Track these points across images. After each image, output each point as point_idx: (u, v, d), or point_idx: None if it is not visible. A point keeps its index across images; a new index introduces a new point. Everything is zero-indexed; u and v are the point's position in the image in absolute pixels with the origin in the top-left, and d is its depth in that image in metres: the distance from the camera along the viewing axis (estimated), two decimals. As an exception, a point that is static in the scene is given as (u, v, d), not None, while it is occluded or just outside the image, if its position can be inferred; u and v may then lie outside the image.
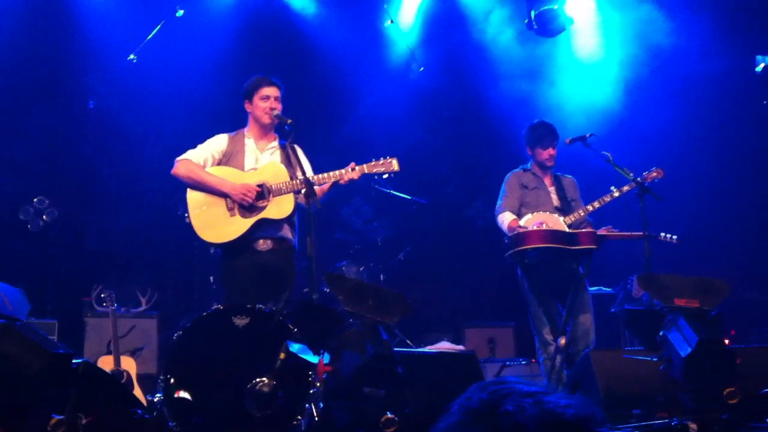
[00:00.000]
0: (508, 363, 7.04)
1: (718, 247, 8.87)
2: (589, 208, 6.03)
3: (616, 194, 5.99)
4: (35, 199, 8.21)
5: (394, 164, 5.21)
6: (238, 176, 5.17)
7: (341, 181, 5.12)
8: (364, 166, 5.17)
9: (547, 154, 6.25)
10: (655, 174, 6.07)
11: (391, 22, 9.15)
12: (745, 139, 9.03)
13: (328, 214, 8.24)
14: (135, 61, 8.07)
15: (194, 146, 5.32)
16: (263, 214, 5.06)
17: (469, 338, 8.23)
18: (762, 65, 9.17)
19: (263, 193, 5.09)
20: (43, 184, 8.41)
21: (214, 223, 5.08)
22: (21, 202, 8.19)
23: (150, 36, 8.09)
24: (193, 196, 5.15)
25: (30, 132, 8.49)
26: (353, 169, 5.13)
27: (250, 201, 5.05)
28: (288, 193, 5.08)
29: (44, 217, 8.22)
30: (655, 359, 4.28)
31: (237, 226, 5.06)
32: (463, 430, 1.18)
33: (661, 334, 4.20)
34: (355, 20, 9.36)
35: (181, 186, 5.36)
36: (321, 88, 9.29)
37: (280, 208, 5.08)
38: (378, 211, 9.07)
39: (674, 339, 4.06)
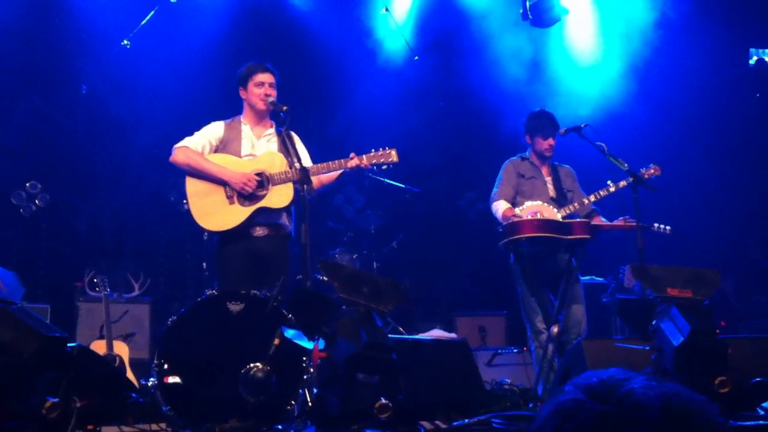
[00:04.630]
0: (500, 351, 7.05)
1: (709, 239, 8.92)
2: (585, 201, 6.04)
3: (612, 189, 6.00)
4: (27, 184, 8.18)
5: (393, 155, 5.16)
6: (237, 164, 5.15)
7: (348, 169, 5.12)
8: (363, 156, 5.15)
9: (546, 144, 6.23)
10: (652, 171, 6.11)
11: (386, 10, 9.12)
12: (738, 131, 9.07)
13: (320, 202, 8.23)
14: (129, 46, 8.03)
15: (189, 133, 5.29)
16: (262, 203, 5.06)
17: (460, 326, 8.24)
18: (755, 58, 9.21)
19: (262, 182, 5.08)
20: (36, 168, 8.38)
21: (213, 210, 5.07)
22: (13, 187, 8.16)
23: (144, 21, 8.05)
24: (191, 184, 5.13)
25: (22, 116, 8.46)
26: (352, 159, 5.12)
27: (251, 191, 5.04)
28: (287, 182, 5.07)
29: (36, 201, 8.19)
30: (647, 348, 4.31)
31: (236, 215, 5.06)
32: (579, 406, 1.18)
33: (653, 323, 4.22)
34: (349, 8, 9.33)
35: (174, 172, 5.34)
36: (314, 76, 9.25)
37: (279, 197, 5.08)
38: (370, 200, 9.07)
39: (666, 328, 4.08)
